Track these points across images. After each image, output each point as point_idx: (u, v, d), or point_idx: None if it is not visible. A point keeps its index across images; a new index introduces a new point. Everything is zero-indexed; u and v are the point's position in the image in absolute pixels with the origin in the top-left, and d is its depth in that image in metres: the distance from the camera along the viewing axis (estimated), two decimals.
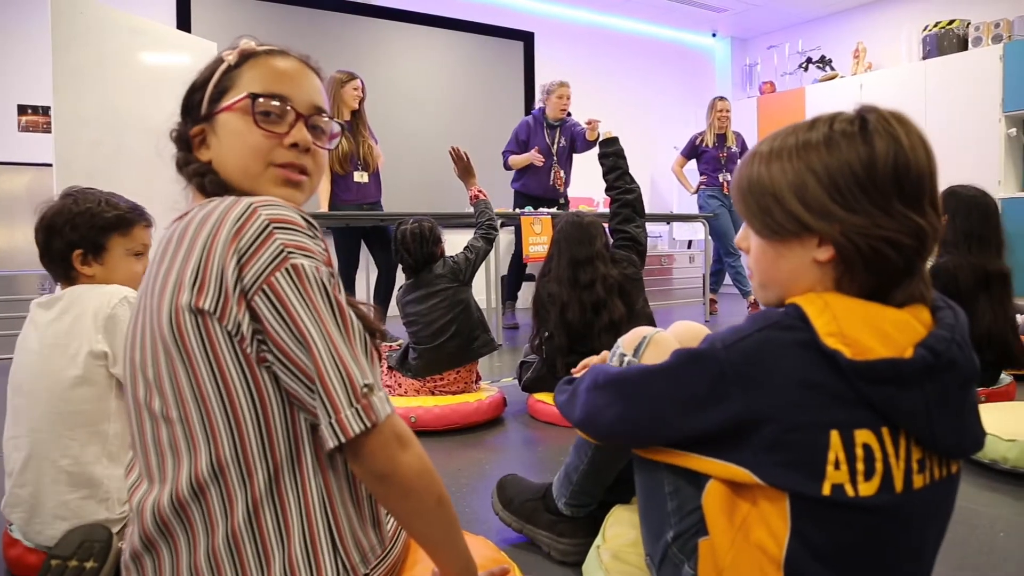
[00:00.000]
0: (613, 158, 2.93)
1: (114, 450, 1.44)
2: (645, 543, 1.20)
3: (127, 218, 1.57)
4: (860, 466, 0.82)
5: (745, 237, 0.97)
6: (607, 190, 2.93)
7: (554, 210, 5.17)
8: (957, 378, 0.84)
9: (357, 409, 0.84)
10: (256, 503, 0.87)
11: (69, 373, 1.42)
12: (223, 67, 1.00)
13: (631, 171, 3.05)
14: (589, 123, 5.01)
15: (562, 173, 5.46)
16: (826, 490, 0.82)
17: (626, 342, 1.34)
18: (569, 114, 5.47)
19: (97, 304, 1.46)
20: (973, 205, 2.75)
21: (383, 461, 0.87)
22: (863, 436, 0.82)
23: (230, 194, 0.94)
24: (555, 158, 5.39)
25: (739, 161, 0.99)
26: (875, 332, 0.82)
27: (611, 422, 1.05)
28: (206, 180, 0.98)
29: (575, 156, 5.61)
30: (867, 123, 0.86)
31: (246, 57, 1.01)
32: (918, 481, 0.85)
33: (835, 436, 0.82)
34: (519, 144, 5.41)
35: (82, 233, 1.52)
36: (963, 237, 2.72)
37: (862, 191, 0.84)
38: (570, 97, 5.38)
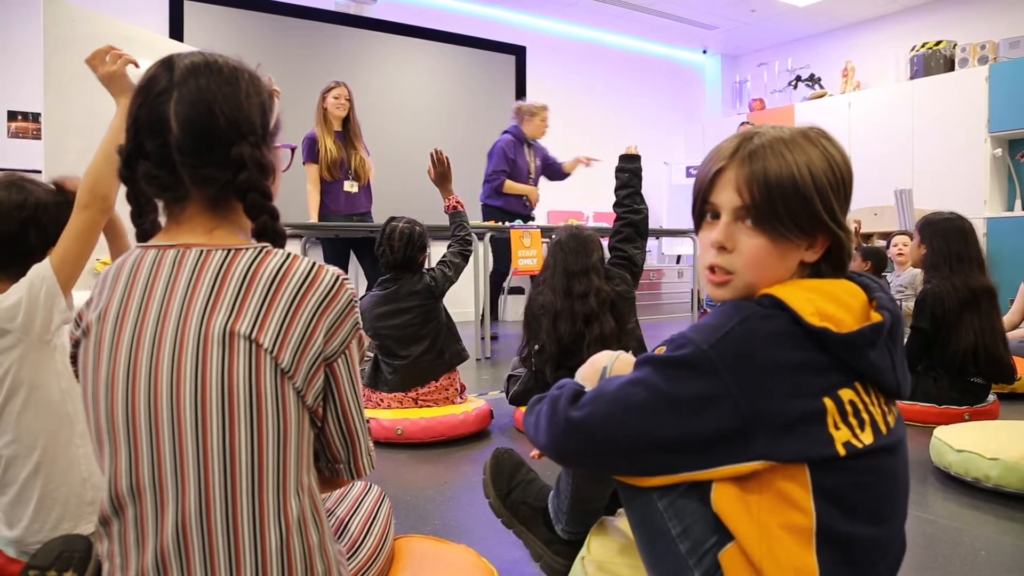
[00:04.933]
0: (629, 175, 2.93)
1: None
2: None
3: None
4: (853, 420, 0.91)
5: (731, 237, 0.98)
6: (615, 205, 2.92)
7: (532, 223, 5.22)
8: (901, 329, 0.98)
9: (370, 456, 1.00)
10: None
11: None
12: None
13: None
14: (587, 162, 5.33)
15: (537, 191, 5.49)
16: (840, 450, 0.90)
17: (583, 375, 1.22)
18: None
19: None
20: (948, 227, 2.94)
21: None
22: (847, 395, 0.92)
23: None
24: (532, 176, 5.42)
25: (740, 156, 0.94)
26: (840, 306, 0.93)
27: (586, 443, 1.00)
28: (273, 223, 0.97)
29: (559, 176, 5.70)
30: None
31: None
32: (884, 424, 0.96)
33: (828, 402, 0.91)
34: (509, 163, 5.30)
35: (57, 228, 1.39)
36: (943, 258, 2.91)
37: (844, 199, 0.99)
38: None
